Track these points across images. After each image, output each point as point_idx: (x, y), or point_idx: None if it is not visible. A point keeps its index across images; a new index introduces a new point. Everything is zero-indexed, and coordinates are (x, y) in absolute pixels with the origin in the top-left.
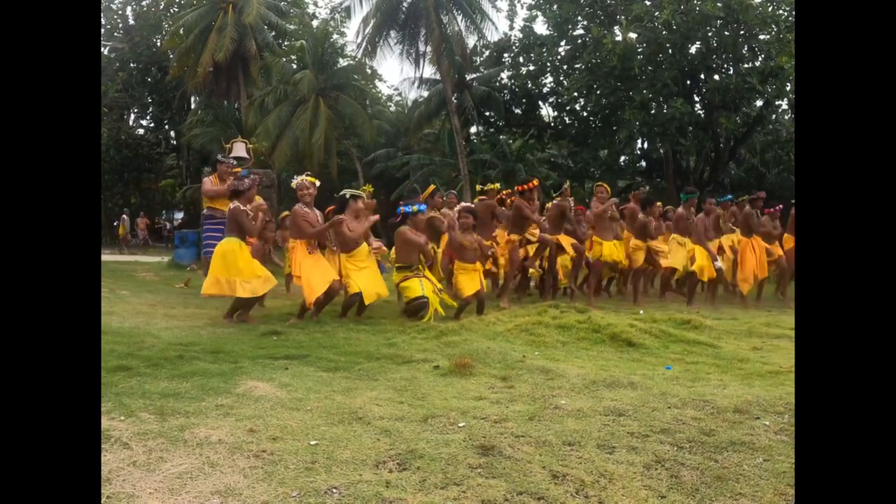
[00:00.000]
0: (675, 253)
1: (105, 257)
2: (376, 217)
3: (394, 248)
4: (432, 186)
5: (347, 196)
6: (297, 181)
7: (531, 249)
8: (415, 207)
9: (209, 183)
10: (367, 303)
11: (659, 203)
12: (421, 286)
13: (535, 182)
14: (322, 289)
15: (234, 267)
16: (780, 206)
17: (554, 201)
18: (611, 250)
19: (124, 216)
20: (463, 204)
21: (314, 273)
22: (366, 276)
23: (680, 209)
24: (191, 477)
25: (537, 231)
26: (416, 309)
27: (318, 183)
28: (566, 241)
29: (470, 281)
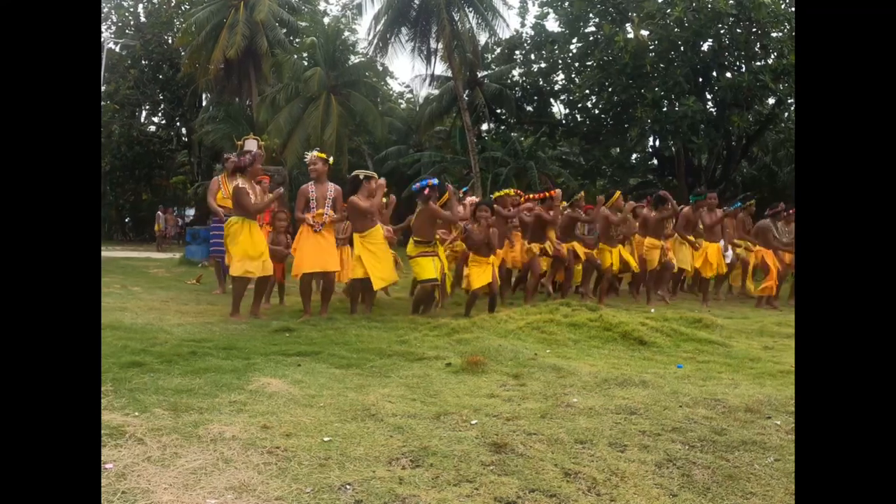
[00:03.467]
0: (681, 253)
1: (130, 253)
2: (392, 200)
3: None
4: (447, 196)
5: (361, 177)
6: (307, 157)
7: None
8: (431, 182)
9: (216, 183)
10: (375, 288)
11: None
12: (434, 267)
13: (558, 192)
14: (311, 266)
15: (232, 244)
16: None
17: (566, 210)
18: (617, 257)
19: (159, 213)
20: (472, 199)
21: (310, 249)
22: (376, 259)
23: (686, 209)
24: (205, 472)
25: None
26: (426, 296)
27: (329, 159)
28: (579, 248)
29: (482, 273)
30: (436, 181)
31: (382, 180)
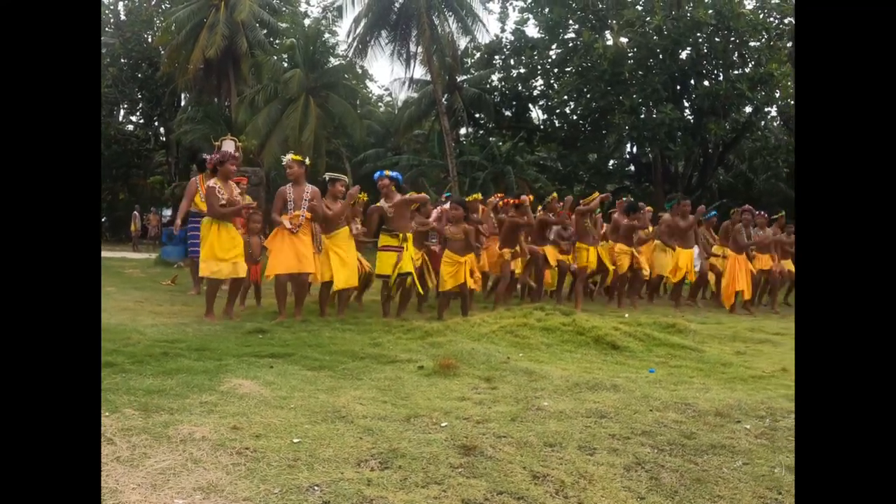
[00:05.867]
0: (661, 259)
1: (106, 253)
2: (355, 190)
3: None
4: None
5: (327, 179)
6: (285, 160)
7: (521, 263)
8: (388, 172)
9: (194, 184)
10: (335, 288)
11: (649, 208)
12: (392, 263)
13: (531, 198)
14: (286, 267)
15: (202, 244)
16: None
17: (539, 214)
18: (594, 256)
19: (135, 213)
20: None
21: (284, 250)
22: (341, 261)
23: (666, 215)
24: (174, 473)
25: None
26: (386, 292)
27: (305, 160)
28: (551, 252)
29: (455, 273)
30: (396, 175)
31: (354, 189)
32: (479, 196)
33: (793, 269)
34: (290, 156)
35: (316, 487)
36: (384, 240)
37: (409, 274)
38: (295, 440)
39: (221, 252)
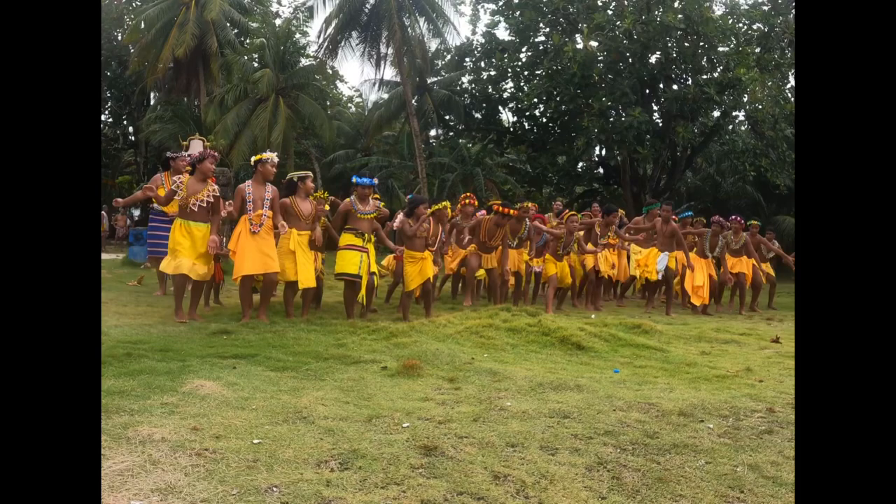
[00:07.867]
0: (631, 261)
1: None
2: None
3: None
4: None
5: (295, 179)
6: (272, 158)
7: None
8: (355, 181)
9: (158, 179)
10: (300, 287)
11: (622, 211)
12: (359, 264)
13: (515, 212)
14: (252, 268)
15: (182, 247)
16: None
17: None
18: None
19: (103, 213)
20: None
21: (249, 250)
22: (307, 260)
23: (636, 218)
24: (132, 474)
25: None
26: (349, 290)
27: (273, 159)
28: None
29: (419, 272)
30: (361, 180)
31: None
32: (447, 204)
33: (771, 272)
34: (274, 155)
35: (275, 488)
36: (348, 239)
37: (374, 274)
38: (255, 441)
39: (179, 248)
